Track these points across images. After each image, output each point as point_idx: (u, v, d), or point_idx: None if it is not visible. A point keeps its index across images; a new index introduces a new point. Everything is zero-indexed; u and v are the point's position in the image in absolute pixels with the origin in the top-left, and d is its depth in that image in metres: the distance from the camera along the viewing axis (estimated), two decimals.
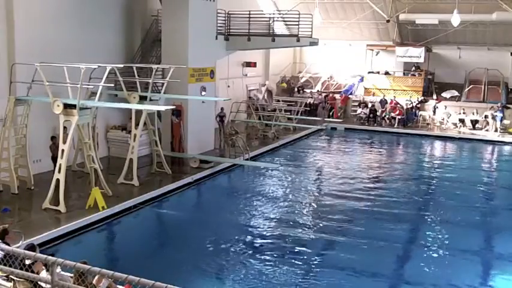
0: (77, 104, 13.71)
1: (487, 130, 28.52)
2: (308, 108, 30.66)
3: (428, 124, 30.12)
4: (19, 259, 6.39)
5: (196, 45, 20.07)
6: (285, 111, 27.98)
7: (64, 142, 13.94)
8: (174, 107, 17.07)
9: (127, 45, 21.07)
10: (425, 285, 11.35)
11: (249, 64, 30.28)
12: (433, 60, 33.40)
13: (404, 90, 32.19)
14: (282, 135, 26.31)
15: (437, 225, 15.12)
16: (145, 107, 16.21)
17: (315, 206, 16.69)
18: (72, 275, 6.52)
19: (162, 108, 16.14)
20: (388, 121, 30.37)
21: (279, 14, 29.52)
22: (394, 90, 32.27)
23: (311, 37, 23.32)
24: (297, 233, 14.09)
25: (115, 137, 20.21)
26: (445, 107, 30.32)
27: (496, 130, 28.34)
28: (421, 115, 30.56)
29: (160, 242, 13.71)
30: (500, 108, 28.76)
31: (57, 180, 13.73)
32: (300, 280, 11.47)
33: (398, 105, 30.66)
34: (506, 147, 27.05)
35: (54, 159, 15.00)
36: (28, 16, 16.25)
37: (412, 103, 30.73)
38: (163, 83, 18.66)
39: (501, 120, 28.46)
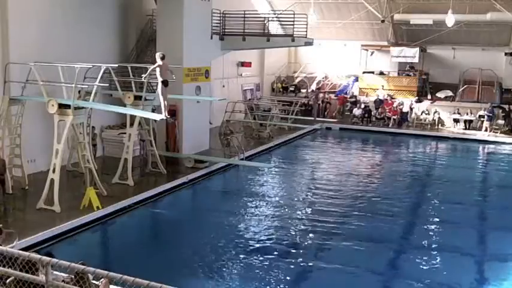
0: (72, 104, 13.68)
1: (485, 130, 28.60)
2: (303, 108, 30.69)
3: (424, 124, 30.16)
4: (19, 260, 6.34)
5: (191, 45, 20.03)
6: (280, 111, 28.00)
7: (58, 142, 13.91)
8: (169, 117, 15.96)
9: (122, 44, 21.04)
10: (421, 282, 11.39)
11: (244, 64, 30.31)
12: (427, 60, 33.53)
13: (399, 90, 32.28)
14: (277, 135, 26.34)
15: (432, 224, 15.22)
16: (138, 112, 15.94)
17: (309, 206, 16.70)
18: (66, 275, 6.50)
19: (157, 117, 15.11)
20: (383, 121, 30.48)
21: (274, 14, 29.54)
22: (390, 90, 32.33)
23: (306, 37, 23.36)
24: (292, 233, 14.13)
25: (110, 136, 20.18)
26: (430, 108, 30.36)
27: (486, 130, 28.49)
28: (415, 115, 30.66)
29: (154, 242, 13.71)
30: (490, 108, 28.86)
31: (52, 180, 13.70)
32: (295, 280, 11.50)
33: (393, 106, 30.78)
34: (499, 147, 27.20)
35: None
36: (22, 15, 16.18)
37: (403, 104, 30.75)
38: (158, 83, 18.57)
39: (491, 120, 28.58)
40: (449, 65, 33.09)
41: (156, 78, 14.21)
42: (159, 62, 13.65)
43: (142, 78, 15.08)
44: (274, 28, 27.50)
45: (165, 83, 13.82)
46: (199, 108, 20.92)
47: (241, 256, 12.43)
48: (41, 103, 14.46)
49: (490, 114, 28.58)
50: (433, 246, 13.46)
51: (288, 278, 11.45)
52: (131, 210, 14.89)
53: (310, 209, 16.33)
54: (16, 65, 15.06)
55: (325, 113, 31.98)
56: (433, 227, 15.03)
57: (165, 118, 14.76)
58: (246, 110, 27.71)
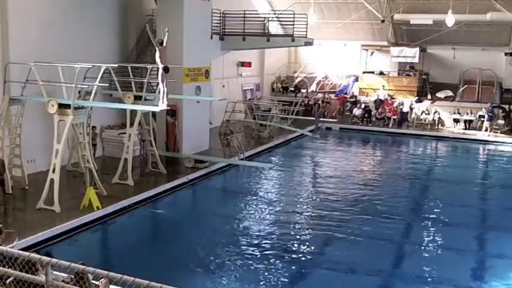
0: (72, 104, 13.68)
1: (485, 130, 28.63)
2: (303, 108, 30.68)
3: (424, 125, 30.13)
4: (19, 260, 6.34)
5: (191, 45, 20.02)
6: (280, 111, 27.99)
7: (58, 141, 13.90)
8: (168, 107, 16.82)
9: (122, 44, 21.03)
10: (422, 282, 11.39)
11: (244, 64, 30.31)
12: (427, 60, 33.51)
13: (399, 90, 32.27)
14: (277, 135, 26.33)
15: (432, 224, 15.21)
16: (138, 107, 16.06)
17: (309, 206, 16.71)
18: (66, 275, 6.50)
19: (157, 108, 15.82)
20: (383, 121, 30.48)
21: (274, 14, 29.54)
22: (390, 90, 32.30)
23: (306, 37, 23.36)
24: (292, 233, 14.12)
25: (110, 136, 20.17)
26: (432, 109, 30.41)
27: (486, 130, 28.51)
28: (415, 115, 30.64)
29: (154, 242, 13.71)
30: (490, 108, 28.86)
31: (52, 180, 13.69)
32: (296, 280, 11.50)
33: (393, 106, 30.80)
34: (499, 147, 27.22)
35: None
36: (22, 15, 16.17)
37: (403, 104, 30.74)
38: (158, 83, 18.57)
39: (491, 120, 28.60)
40: (449, 65, 33.08)
41: (156, 77, 14.25)
42: (157, 46, 13.72)
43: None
44: (274, 28, 27.50)
45: (166, 69, 13.87)
46: (199, 108, 20.91)
47: (242, 256, 12.42)
48: (41, 103, 14.45)
49: (490, 114, 28.59)
50: (434, 246, 13.45)
51: (288, 278, 11.45)
52: (131, 210, 14.89)
53: (311, 209, 16.32)
54: (16, 65, 15.05)
55: (325, 113, 31.98)
56: (434, 227, 15.00)
57: (164, 108, 14.76)
58: (246, 110, 27.70)
